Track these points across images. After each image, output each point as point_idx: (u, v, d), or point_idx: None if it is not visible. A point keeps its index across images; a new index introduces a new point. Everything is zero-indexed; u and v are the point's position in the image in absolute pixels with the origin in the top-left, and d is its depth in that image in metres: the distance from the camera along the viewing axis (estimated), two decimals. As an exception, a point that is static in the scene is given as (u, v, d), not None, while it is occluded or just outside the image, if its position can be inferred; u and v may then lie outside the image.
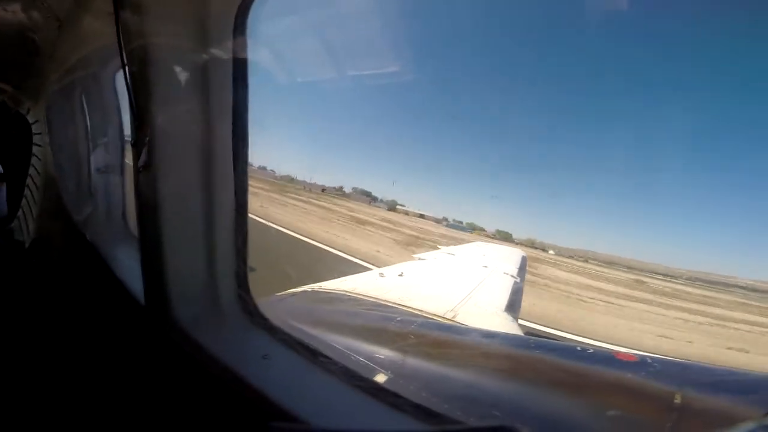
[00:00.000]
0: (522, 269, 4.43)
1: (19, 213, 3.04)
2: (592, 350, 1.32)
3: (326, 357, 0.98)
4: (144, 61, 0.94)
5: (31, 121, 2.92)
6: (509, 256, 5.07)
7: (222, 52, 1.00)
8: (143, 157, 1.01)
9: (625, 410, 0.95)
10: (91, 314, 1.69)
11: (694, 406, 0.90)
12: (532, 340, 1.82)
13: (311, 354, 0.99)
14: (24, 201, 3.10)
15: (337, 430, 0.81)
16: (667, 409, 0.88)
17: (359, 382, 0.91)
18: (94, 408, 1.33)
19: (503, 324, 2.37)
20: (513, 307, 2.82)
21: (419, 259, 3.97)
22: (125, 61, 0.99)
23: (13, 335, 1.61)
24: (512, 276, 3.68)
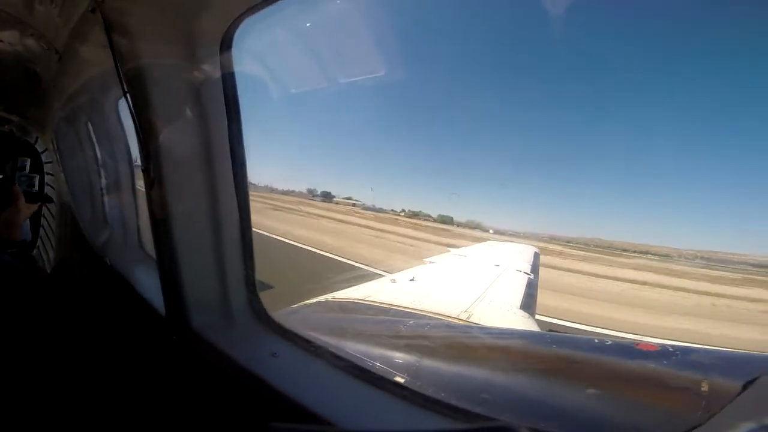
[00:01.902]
0: (535, 265, 4.36)
1: (38, 241, 3.12)
2: (611, 342, 1.28)
3: (331, 353, 1.02)
4: (142, 88, 0.99)
5: (39, 150, 3.00)
6: (521, 253, 5.01)
7: (214, 71, 1.04)
8: (152, 180, 1.06)
9: (651, 402, 0.92)
10: (118, 327, 1.76)
11: (723, 393, 0.87)
12: (549, 335, 1.79)
13: (316, 351, 1.04)
14: (41, 230, 3.18)
15: (336, 429, 0.82)
16: (695, 397, 0.85)
17: (364, 375, 0.94)
18: (122, 409, 1.41)
19: (519, 321, 2.33)
20: (528, 303, 2.78)
21: (429, 262, 3.94)
22: (125, 89, 1.04)
23: (47, 355, 1.69)
24: (525, 273, 3.63)
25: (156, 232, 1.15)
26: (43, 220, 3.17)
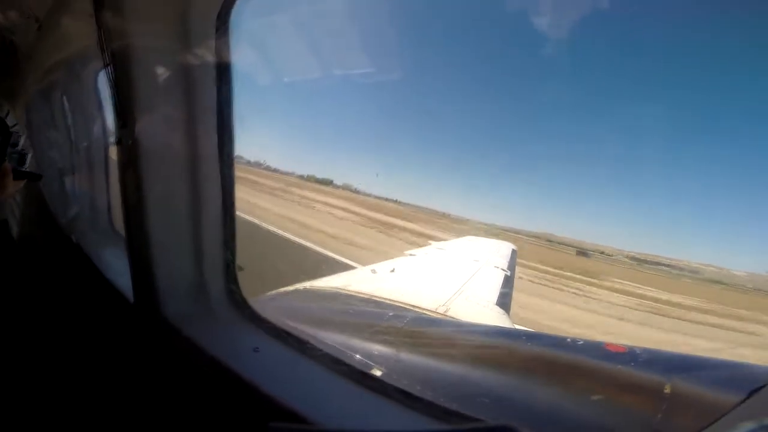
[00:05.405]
0: (512, 262, 4.48)
1: (3, 215, 3.00)
2: (582, 342, 1.33)
3: (317, 349, 0.98)
4: (126, 61, 0.93)
5: (10, 124, 2.85)
6: (499, 250, 5.13)
7: (205, 51, 0.99)
8: (128, 156, 1.00)
9: (616, 400, 0.96)
10: (80, 312, 1.68)
11: (683, 395, 0.92)
12: (523, 332, 1.86)
13: (302, 346, 1.00)
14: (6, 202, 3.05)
15: (336, 430, 0.81)
16: (658, 398, 0.89)
17: (352, 373, 0.91)
18: (86, 405, 1.33)
19: (494, 317, 2.40)
20: (504, 300, 2.86)
21: (410, 254, 3.97)
22: (107, 61, 0.98)
23: (5, 335, 1.59)
24: (503, 269, 3.72)
25: (127, 210, 1.08)
26: None
